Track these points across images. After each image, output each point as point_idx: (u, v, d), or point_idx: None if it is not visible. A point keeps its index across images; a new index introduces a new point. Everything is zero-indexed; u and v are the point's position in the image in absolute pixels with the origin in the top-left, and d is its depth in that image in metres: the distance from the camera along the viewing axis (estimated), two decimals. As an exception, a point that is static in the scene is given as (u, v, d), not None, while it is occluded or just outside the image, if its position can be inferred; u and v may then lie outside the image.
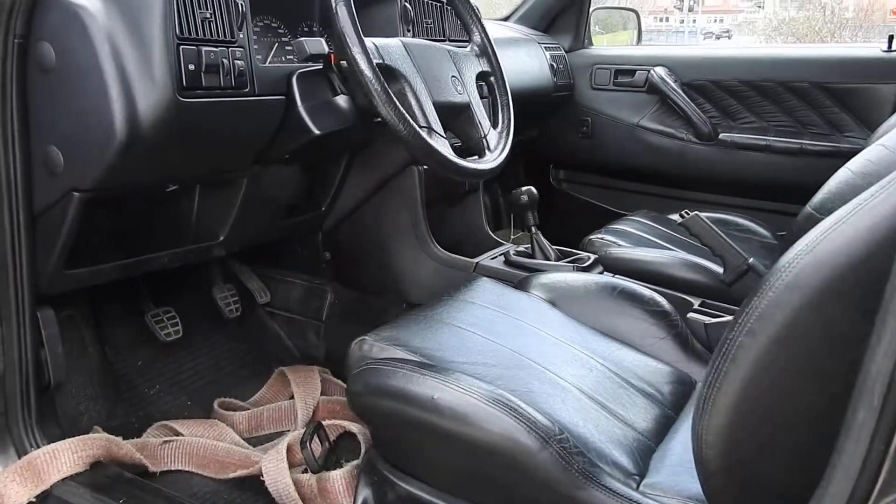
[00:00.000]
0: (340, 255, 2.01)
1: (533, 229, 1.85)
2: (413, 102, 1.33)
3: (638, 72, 2.61)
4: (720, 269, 1.72)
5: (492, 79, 1.60)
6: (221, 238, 1.60)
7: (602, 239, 1.98)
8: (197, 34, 1.22)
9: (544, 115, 2.73)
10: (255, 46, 1.54)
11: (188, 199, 1.51)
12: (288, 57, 1.63)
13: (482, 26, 1.60)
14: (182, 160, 1.33)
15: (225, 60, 1.27)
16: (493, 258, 1.88)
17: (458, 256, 1.87)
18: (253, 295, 2.05)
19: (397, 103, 1.24)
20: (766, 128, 2.44)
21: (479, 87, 1.67)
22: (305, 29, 1.69)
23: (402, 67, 1.33)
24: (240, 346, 1.98)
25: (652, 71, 2.55)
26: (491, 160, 1.44)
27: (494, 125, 1.55)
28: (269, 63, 1.58)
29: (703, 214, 2.30)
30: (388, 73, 1.32)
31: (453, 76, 1.46)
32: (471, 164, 1.38)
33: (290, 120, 1.41)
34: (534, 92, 2.46)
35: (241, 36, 1.31)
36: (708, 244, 1.66)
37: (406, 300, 1.91)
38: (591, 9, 2.78)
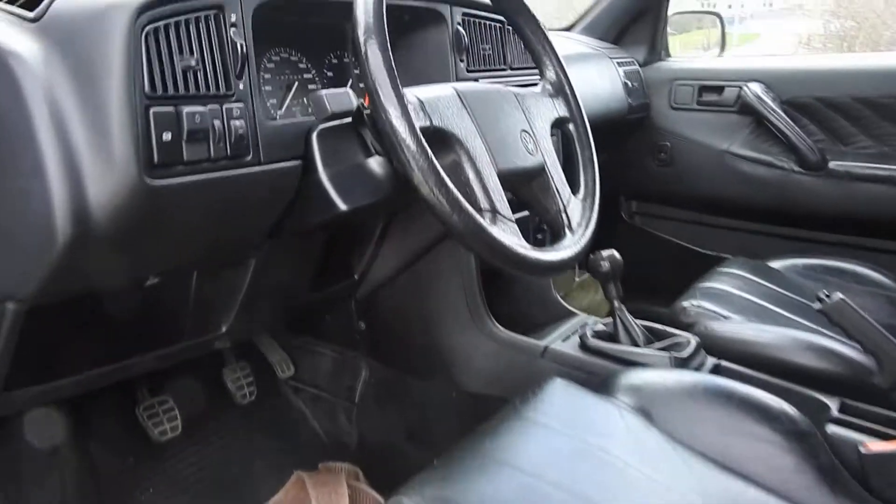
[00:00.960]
0: (377, 326, 1.67)
1: (616, 303, 1.48)
2: (472, 176, 0.97)
3: (727, 88, 2.21)
4: (862, 357, 1.34)
5: (570, 126, 1.23)
6: (224, 329, 1.27)
7: (699, 307, 1.60)
8: (176, 89, 0.89)
9: (616, 139, 2.35)
10: (268, 88, 1.20)
11: (180, 287, 1.18)
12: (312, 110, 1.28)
13: (557, 57, 1.23)
14: (161, 253, 1.00)
15: (217, 122, 0.93)
16: (565, 338, 1.52)
17: (521, 337, 1.51)
18: (273, 368, 1.72)
19: (449, 184, 0.88)
20: (888, 154, 2.02)
21: (554, 139, 1.31)
22: (335, 61, 1.34)
23: (457, 129, 0.98)
24: (254, 436, 1.65)
25: (745, 87, 2.15)
26: (573, 244, 1.08)
27: (575, 190, 1.18)
28: (286, 109, 1.24)
29: (808, 262, 1.92)
30: (439, 139, 0.96)
31: (524, 130, 1.10)
32: (548, 254, 1.01)
33: (309, 191, 1.07)
34: (606, 117, 2.08)
35: (242, 87, 0.97)
36: (857, 338, 1.27)
37: (457, 388, 1.55)
38: (669, 14, 2.38)
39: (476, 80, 1.42)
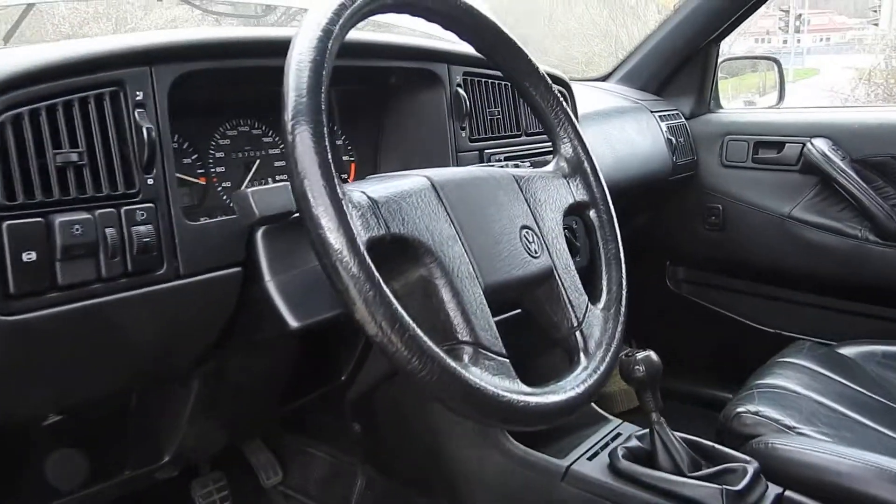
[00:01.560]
0: (375, 429, 1.43)
1: (654, 416, 1.21)
2: (446, 297, 0.73)
3: (787, 144, 1.93)
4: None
5: (591, 213, 0.99)
6: (167, 458, 1.04)
7: (756, 415, 1.32)
8: (46, 194, 0.68)
9: (659, 201, 2.09)
10: (221, 170, 0.99)
11: (109, 414, 0.96)
12: (280, 177, 1.07)
13: (574, 128, 0.99)
14: (45, 393, 0.78)
15: (111, 231, 0.72)
16: (592, 455, 1.25)
17: (539, 455, 1.25)
18: (256, 474, 1.49)
19: (404, 319, 0.65)
20: (982, 222, 1.72)
21: (569, 231, 1.07)
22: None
23: (426, 235, 0.74)
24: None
25: (808, 144, 1.87)
26: (587, 377, 0.83)
27: (595, 298, 0.93)
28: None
29: (888, 349, 1.63)
30: (400, 251, 0.73)
31: (526, 227, 0.86)
32: (550, 395, 0.76)
33: (252, 303, 0.85)
34: (646, 178, 1.83)
35: (151, 182, 0.76)
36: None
37: (464, 511, 1.30)
38: (719, 61, 2.12)
39: (481, 151, 1.19)
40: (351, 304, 0.64)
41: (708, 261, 2.13)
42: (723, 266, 2.11)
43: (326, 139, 0.66)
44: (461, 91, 1.15)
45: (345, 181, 1.17)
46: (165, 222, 0.77)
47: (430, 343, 0.65)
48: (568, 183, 0.97)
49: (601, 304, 0.93)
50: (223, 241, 0.82)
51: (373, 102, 1.17)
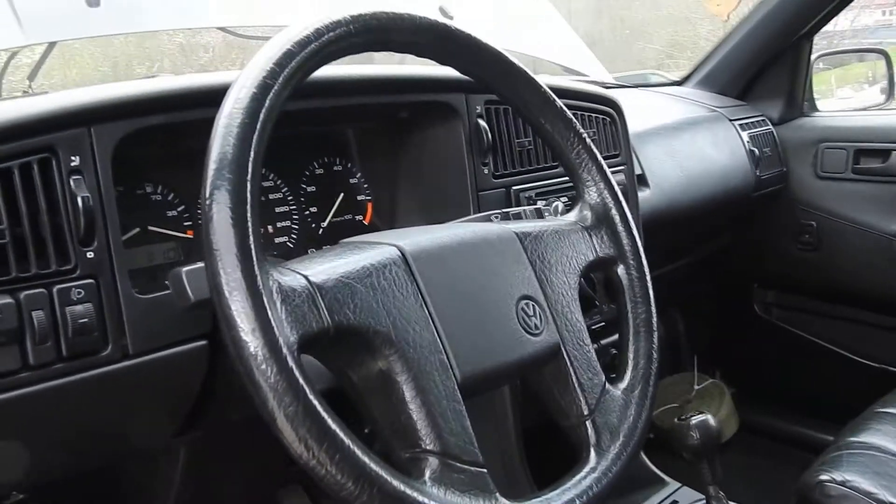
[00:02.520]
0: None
1: (712, 490, 1.05)
2: (409, 396, 0.61)
3: (895, 153, 1.70)
4: None
5: (619, 270, 0.84)
6: None
7: (843, 485, 1.13)
8: None
9: (742, 219, 1.88)
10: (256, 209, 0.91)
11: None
12: (279, 240, 0.98)
13: (601, 169, 0.85)
14: None
15: (39, 314, 0.64)
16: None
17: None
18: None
19: (340, 437, 0.54)
20: None
21: (588, 292, 0.93)
22: (319, 171, 1.04)
23: (384, 323, 0.62)
24: None
25: (920, 152, 1.63)
26: (593, 482, 0.69)
27: (617, 376, 0.79)
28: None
29: None
30: (351, 343, 0.62)
31: (525, 297, 0.73)
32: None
33: (223, 379, 0.77)
34: (723, 197, 1.64)
35: (92, 255, 0.69)
36: None
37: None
38: (812, 58, 1.89)
39: (507, 188, 1.06)
40: (271, 421, 0.54)
41: (801, 284, 1.90)
42: (818, 290, 1.88)
43: (251, 218, 0.56)
44: (482, 123, 1.02)
45: (361, 223, 1.07)
46: (110, 298, 0.69)
47: (368, 462, 0.54)
48: (589, 236, 0.83)
49: (623, 384, 0.78)
50: (185, 314, 0.73)
51: (388, 138, 1.06)
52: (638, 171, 1.42)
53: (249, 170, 0.57)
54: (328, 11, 1.46)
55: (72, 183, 0.67)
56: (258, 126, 0.59)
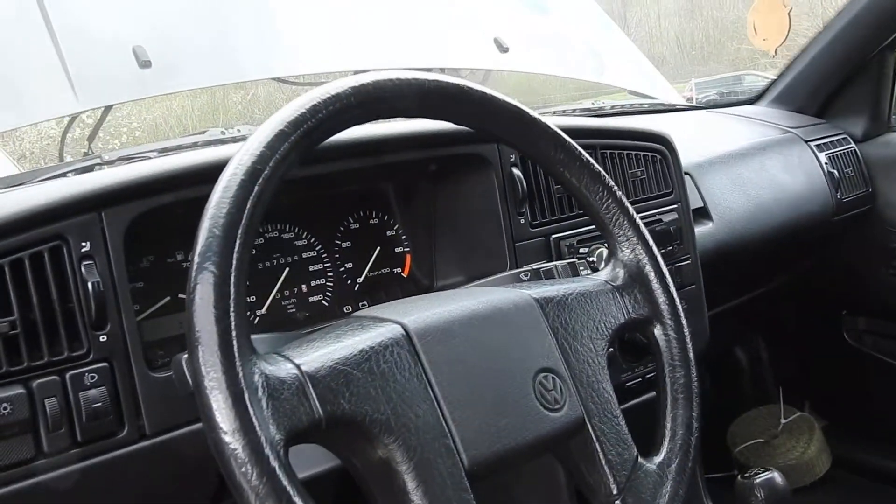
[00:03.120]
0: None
1: (779, 556, 0.97)
2: (411, 486, 0.59)
3: None
4: None
5: (656, 331, 0.78)
6: None
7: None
8: None
9: (824, 244, 1.76)
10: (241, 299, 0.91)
11: None
12: (314, 299, 0.98)
13: (635, 225, 0.80)
14: None
15: (52, 402, 0.66)
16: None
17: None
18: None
19: None
20: None
21: (618, 354, 0.88)
22: (355, 226, 1.03)
23: (384, 409, 0.59)
24: None
25: None
26: None
27: (652, 449, 0.74)
28: (270, 306, 0.94)
29: None
30: (346, 433, 0.60)
31: (544, 370, 0.69)
32: None
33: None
34: (798, 224, 1.54)
35: (105, 339, 0.70)
36: None
37: None
38: (900, 68, 1.75)
39: (546, 236, 1.03)
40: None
41: (894, 310, 1.76)
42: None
43: (234, 312, 0.55)
44: (516, 172, 0.99)
45: (399, 276, 1.05)
46: (125, 380, 0.70)
47: None
48: (620, 296, 0.78)
49: (659, 458, 0.73)
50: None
51: (423, 189, 1.05)
52: (699, 204, 1.35)
53: (234, 261, 0.56)
54: (367, 56, 1.44)
55: (83, 269, 0.68)
56: (245, 214, 0.58)
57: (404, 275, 1.06)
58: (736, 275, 1.49)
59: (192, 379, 0.54)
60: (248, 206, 0.58)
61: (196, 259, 0.55)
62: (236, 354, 0.54)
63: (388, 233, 1.06)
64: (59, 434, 0.66)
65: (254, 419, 0.53)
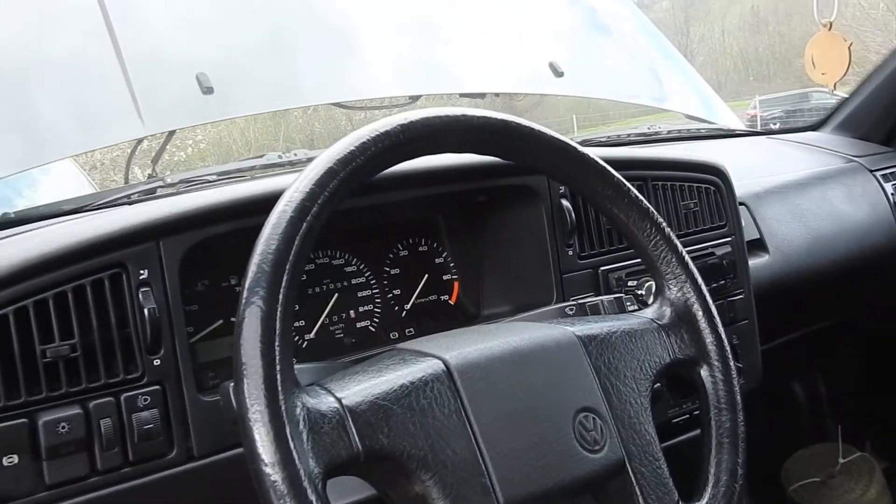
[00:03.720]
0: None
1: None
2: (444, 522, 0.60)
3: None
4: None
5: (702, 372, 0.77)
6: None
7: None
8: (33, 391, 0.66)
9: (888, 276, 1.70)
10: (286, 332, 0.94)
11: None
12: (361, 325, 0.99)
13: (682, 260, 0.79)
14: None
15: (107, 422, 0.68)
16: None
17: None
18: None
19: None
20: None
21: (666, 390, 0.87)
22: (404, 253, 1.04)
23: (422, 445, 0.60)
24: None
25: None
26: None
27: (695, 493, 0.72)
28: (319, 331, 0.96)
29: None
30: (383, 467, 0.61)
31: (585, 410, 0.69)
32: None
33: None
34: (859, 256, 1.49)
35: (158, 363, 0.72)
36: None
37: None
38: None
39: (595, 268, 1.02)
40: None
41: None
42: None
43: (279, 346, 0.56)
44: (566, 203, 0.99)
45: (447, 303, 1.06)
46: (175, 402, 0.73)
47: None
48: (666, 335, 0.77)
49: (705, 499, 0.72)
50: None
51: (473, 219, 1.05)
52: (755, 235, 1.32)
53: (280, 297, 0.58)
54: (423, 81, 1.45)
55: (140, 295, 0.71)
56: (293, 250, 0.59)
57: (451, 302, 1.07)
58: (793, 308, 1.45)
59: (236, 409, 0.56)
60: (297, 242, 0.60)
61: (245, 293, 0.57)
62: (279, 388, 0.55)
63: (437, 260, 1.07)
64: (113, 453, 0.69)
65: (294, 452, 0.54)
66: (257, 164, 1.25)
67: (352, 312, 0.99)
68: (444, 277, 1.07)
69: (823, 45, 1.63)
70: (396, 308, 1.03)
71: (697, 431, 1.04)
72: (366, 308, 1.00)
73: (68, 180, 1.88)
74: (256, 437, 0.54)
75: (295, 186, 0.62)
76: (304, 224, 0.61)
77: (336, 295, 0.98)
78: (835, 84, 1.68)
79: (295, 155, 1.29)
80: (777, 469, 1.81)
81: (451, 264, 1.07)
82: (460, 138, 0.72)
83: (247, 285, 0.58)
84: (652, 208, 0.79)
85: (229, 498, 0.77)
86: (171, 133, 1.34)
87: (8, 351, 0.66)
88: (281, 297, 0.58)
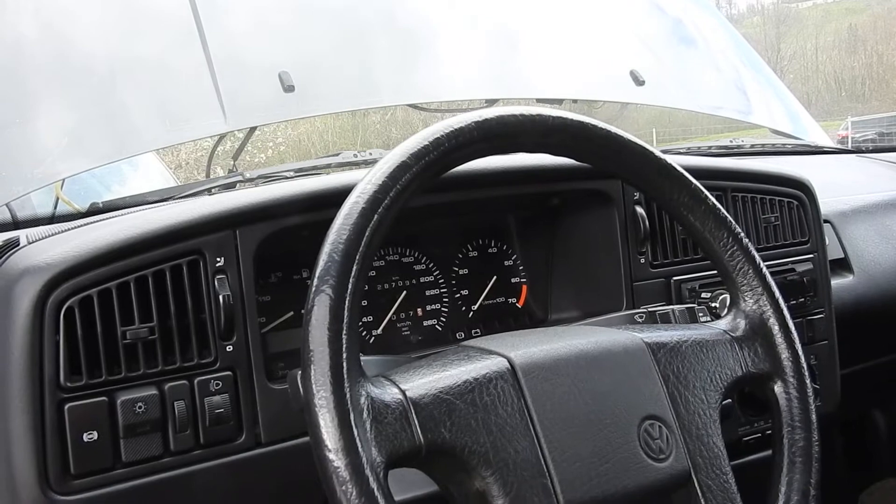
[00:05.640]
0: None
1: None
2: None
3: None
4: None
5: (776, 388, 0.74)
6: None
7: None
8: (113, 371, 0.69)
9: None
10: (363, 303, 0.95)
11: None
12: (428, 324, 1.00)
13: (759, 272, 0.76)
14: None
15: (181, 404, 0.71)
16: None
17: None
18: None
19: None
20: None
21: (737, 406, 0.84)
22: (473, 254, 1.04)
23: (484, 442, 0.60)
24: None
25: None
26: None
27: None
28: (387, 328, 0.97)
29: None
30: (445, 462, 0.61)
31: (650, 417, 0.67)
32: None
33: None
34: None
35: (231, 349, 0.74)
36: None
37: None
38: None
39: (667, 278, 1.00)
40: None
41: None
42: None
43: (346, 335, 0.57)
44: (640, 210, 0.97)
45: (514, 306, 1.06)
46: (246, 389, 0.74)
47: None
48: (739, 348, 0.74)
49: None
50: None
51: (544, 221, 1.05)
52: (839, 254, 1.27)
53: (349, 286, 0.58)
54: (501, 86, 1.45)
55: (216, 282, 0.73)
56: (363, 241, 0.60)
57: (519, 305, 1.06)
58: (877, 333, 1.38)
59: (302, 395, 0.57)
60: (367, 233, 0.60)
61: (315, 281, 0.58)
62: (345, 376, 0.56)
63: (506, 263, 1.06)
64: (185, 435, 0.71)
65: (357, 440, 0.54)
66: (333, 161, 1.28)
67: (419, 311, 1.00)
68: (513, 280, 1.07)
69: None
70: (464, 308, 1.03)
71: (769, 452, 1.01)
72: (433, 307, 1.01)
73: (154, 176, 1.96)
74: (321, 423, 0.55)
75: (368, 178, 0.63)
76: (376, 216, 0.61)
77: (404, 293, 0.99)
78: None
79: (370, 154, 1.31)
80: (853, 501, 1.73)
81: (521, 267, 1.07)
82: (535, 139, 0.71)
83: (317, 274, 0.59)
84: (729, 217, 0.77)
85: (293, 486, 0.79)
86: (252, 130, 1.38)
87: (91, 331, 0.69)
88: (350, 286, 0.59)
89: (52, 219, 1.13)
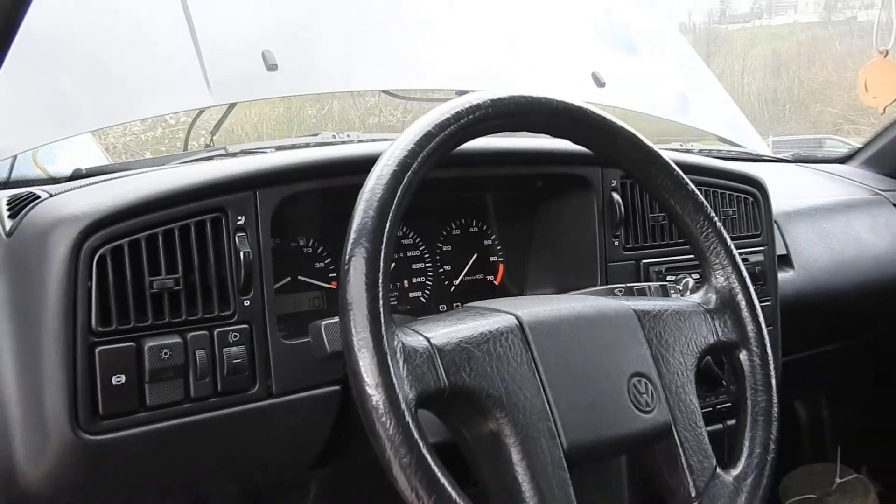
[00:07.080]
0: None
1: None
2: (516, 458, 0.65)
3: None
4: None
5: (741, 356, 0.83)
6: None
7: None
8: (141, 318, 0.72)
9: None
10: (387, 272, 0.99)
11: None
12: (413, 295, 1.05)
13: (730, 253, 0.85)
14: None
15: (201, 353, 0.74)
16: None
17: None
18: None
19: (445, 489, 0.59)
20: None
21: (717, 372, 0.93)
22: (456, 232, 1.10)
23: (496, 387, 0.66)
24: None
25: None
26: None
27: (730, 460, 0.78)
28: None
29: None
30: (464, 403, 0.67)
31: (637, 374, 0.75)
32: None
33: (353, 424, 0.83)
34: (876, 285, 1.55)
35: (248, 303, 0.78)
36: None
37: None
38: None
39: (637, 261, 1.08)
40: (387, 469, 0.59)
41: None
42: None
43: (382, 283, 0.62)
44: (616, 196, 1.05)
45: (491, 283, 1.12)
46: (260, 342, 0.78)
47: None
48: (711, 319, 0.83)
49: (736, 471, 0.77)
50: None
51: (524, 204, 1.12)
52: (783, 251, 1.38)
53: (384, 240, 0.64)
54: (471, 79, 1.52)
55: (237, 239, 0.77)
56: (395, 200, 0.65)
57: (496, 283, 1.13)
58: (811, 326, 1.50)
59: (343, 339, 0.61)
60: (399, 193, 0.66)
61: (352, 235, 0.63)
62: (382, 320, 0.61)
63: (486, 242, 1.13)
64: (204, 383, 0.75)
65: (394, 378, 0.60)
66: (312, 141, 1.31)
67: (405, 282, 1.05)
68: (491, 259, 1.13)
69: (877, 71, 1.71)
70: (446, 283, 1.09)
71: (717, 426, 1.10)
72: (418, 280, 1.06)
73: (93, 156, 1.93)
74: (362, 362, 0.60)
75: (396, 144, 0.69)
76: (406, 178, 0.67)
77: (393, 264, 1.04)
78: (884, 108, 1.75)
79: (348, 136, 1.35)
80: (775, 484, 1.86)
81: (498, 247, 1.13)
82: (543, 119, 0.78)
83: (354, 227, 0.64)
84: (706, 202, 0.86)
85: (294, 438, 0.83)
86: (232, 106, 1.40)
87: (121, 280, 0.72)
88: (385, 240, 0.64)
89: (35, 181, 1.14)
